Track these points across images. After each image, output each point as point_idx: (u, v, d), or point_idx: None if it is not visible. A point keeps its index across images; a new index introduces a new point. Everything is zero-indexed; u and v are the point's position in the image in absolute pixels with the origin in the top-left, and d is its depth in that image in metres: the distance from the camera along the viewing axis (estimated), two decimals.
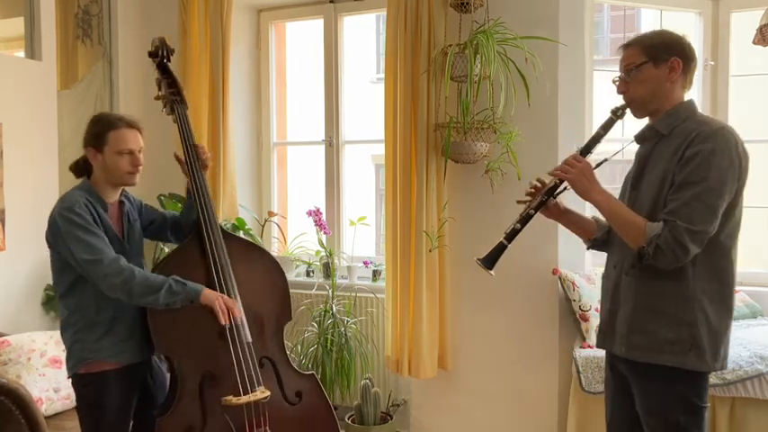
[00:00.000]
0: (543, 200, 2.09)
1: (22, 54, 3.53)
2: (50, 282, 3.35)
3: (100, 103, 4.02)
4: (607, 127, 2.06)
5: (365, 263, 3.90)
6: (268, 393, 2.37)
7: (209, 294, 2.28)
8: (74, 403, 2.92)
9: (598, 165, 2.09)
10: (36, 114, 3.43)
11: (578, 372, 2.95)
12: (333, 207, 4.05)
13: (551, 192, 2.09)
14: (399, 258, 3.40)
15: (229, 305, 2.30)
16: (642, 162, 2.03)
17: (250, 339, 2.40)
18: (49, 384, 2.92)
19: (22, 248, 3.33)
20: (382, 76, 3.54)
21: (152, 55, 2.64)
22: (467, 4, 3.19)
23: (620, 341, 2.00)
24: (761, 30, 3.12)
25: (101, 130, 2.27)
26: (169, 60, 2.64)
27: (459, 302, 3.46)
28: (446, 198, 3.37)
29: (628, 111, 2.05)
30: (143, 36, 4.07)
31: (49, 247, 2.28)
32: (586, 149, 2.07)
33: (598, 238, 2.21)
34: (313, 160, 4.39)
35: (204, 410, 2.33)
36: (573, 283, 3.18)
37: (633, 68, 1.97)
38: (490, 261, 2.10)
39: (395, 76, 3.38)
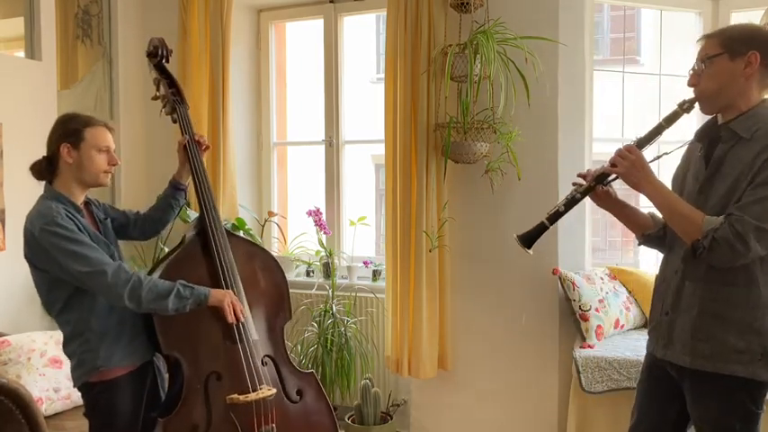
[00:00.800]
0: (591, 185, 2.01)
1: (22, 54, 3.53)
2: None
3: (100, 103, 4.02)
4: (671, 120, 1.94)
5: (365, 263, 3.90)
6: (274, 391, 2.38)
7: (216, 295, 2.26)
8: (74, 403, 2.94)
9: (655, 158, 2.01)
10: (36, 114, 3.43)
11: (578, 372, 2.95)
12: (333, 207, 4.05)
13: (601, 179, 2.00)
14: (399, 258, 3.40)
15: (236, 304, 2.30)
16: (715, 165, 1.89)
17: (256, 337, 2.41)
18: (49, 384, 2.92)
19: (22, 248, 3.32)
20: (382, 76, 3.53)
21: (151, 55, 2.61)
22: (467, 4, 3.19)
23: (683, 350, 1.92)
24: None
25: (78, 126, 2.20)
26: (167, 61, 2.63)
27: (459, 302, 3.46)
28: (446, 198, 3.37)
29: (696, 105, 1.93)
30: (143, 36, 4.07)
31: (32, 266, 2.18)
32: (644, 141, 1.96)
33: (652, 234, 2.13)
34: (313, 160, 4.39)
35: (209, 409, 2.33)
36: (573, 283, 3.18)
37: (707, 59, 1.86)
38: (529, 240, 2.03)
39: (395, 76, 3.38)
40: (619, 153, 1.94)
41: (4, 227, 3.24)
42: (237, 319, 2.31)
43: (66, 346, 2.22)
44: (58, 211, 2.11)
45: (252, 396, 2.32)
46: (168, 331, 2.28)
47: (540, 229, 2.03)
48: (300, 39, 4.67)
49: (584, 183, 2.03)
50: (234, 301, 2.31)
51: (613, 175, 1.99)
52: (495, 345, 3.43)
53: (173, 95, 2.57)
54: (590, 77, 3.43)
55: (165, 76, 2.60)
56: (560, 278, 3.24)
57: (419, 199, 3.32)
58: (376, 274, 3.85)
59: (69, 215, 2.13)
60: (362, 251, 4.06)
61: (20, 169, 3.30)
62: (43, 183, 3.31)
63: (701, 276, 1.89)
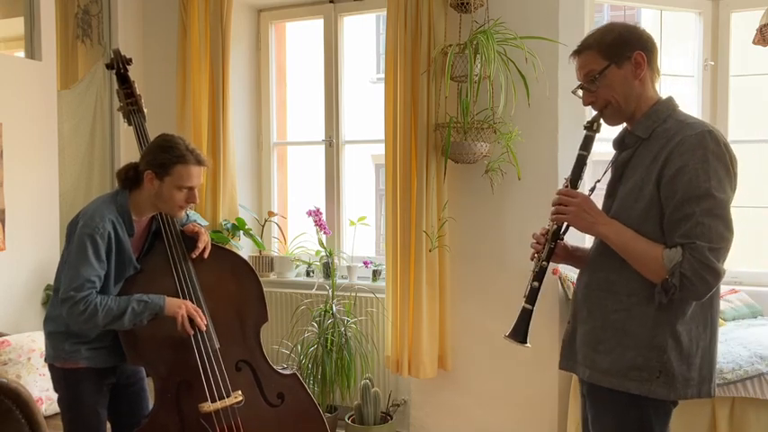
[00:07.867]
0: (552, 247, 1.90)
1: (22, 54, 3.53)
2: (50, 282, 3.37)
3: (100, 103, 4.02)
4: (586, 146, 1.87)
5: (365, 263, 3.90)
6: (241, 398, 2.37)
7: (171, 305, 2.28)
8: None
9: (590, 190, 1.94)
10: (36, 114, 3.43)
11: None
12: (333, 207, 4.05)
13: (556, 235, 1.90)
14: (399, 258, 3.40)
15: (192, 314, 2.30)
16: (620, 169, 1.84)
17: (218, 345, 2.39)
18: (49, 384, 2.89)
19: (22, 248, 3.33)
20: (382, 76, 3.54)
21: (109, 67, 2.68)
22: (467, 4, 3.19)
23: (583, 361, 1.83)
24: (761, 30, 3.13)
25: (169, 160, 2.21)
26: (126, 70, 2.66)
27: (458, 302, 3.46)
28: (446, 198, 3.37)
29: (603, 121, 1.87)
30: (143, 36, 4.08)
31: (66, 240, 2.31)
32: (575, 179, 1.87)
33: None
34: (313, 160, 4.39)
35: (182, 418, 2.34)
36: (573, 284, 3.18)
37: (596, 76, 1.79)
38: (521, 334, 1.90)
39: (395, 76, 3.38)
40: (560, 200, 1.84)
41: (4, 227, 3.24)
42: (198, 328, 2.31)
43: (45, 323, 2.36)
44: (103, 224, 2.20)
45: (213, 406, 2.32)
46: (132, 345, 2.33)
47: (526, 317, 1.92)
48: (300, 39, 4.67)
49: (541, 247, 1.93)
50: (191, 309, 2.31)
51: (565, 226, 1.90)
52: (495, 345, 3.42)
53: (129, 105, 2.60)
54: None
55: (124, 86, 2.63)
56: (560, 279, 3.24)
57: (419, 199, 3.32)
58: (376, 274, 3.85)
59: (112, 232, 2.22)
60: (362, 251, 4.06)
61: (20, 169, 3.32)
62: (42, 184, 3.31)
63: (603, 285, 1.81)
